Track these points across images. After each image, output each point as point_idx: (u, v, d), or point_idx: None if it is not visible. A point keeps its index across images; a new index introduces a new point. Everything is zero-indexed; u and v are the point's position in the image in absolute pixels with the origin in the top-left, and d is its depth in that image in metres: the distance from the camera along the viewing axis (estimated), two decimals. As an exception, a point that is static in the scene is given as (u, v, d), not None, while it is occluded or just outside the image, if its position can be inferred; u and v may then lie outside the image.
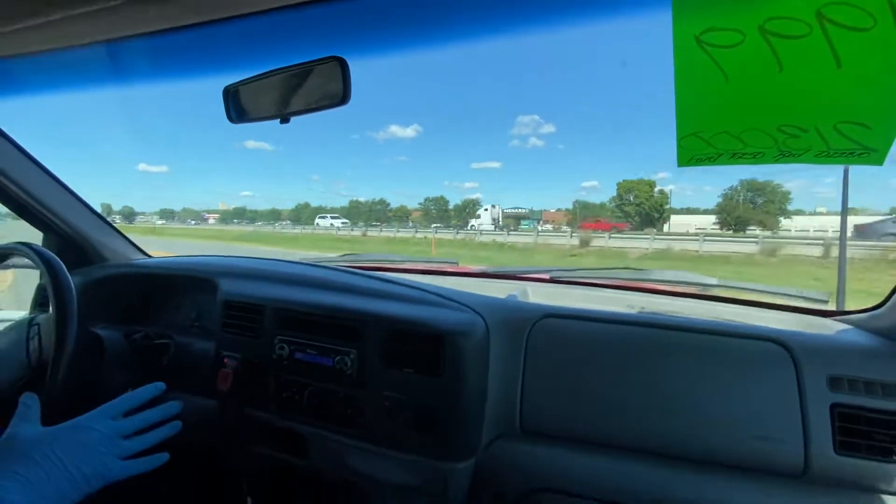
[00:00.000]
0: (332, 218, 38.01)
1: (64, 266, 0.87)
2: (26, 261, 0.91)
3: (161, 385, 0.79)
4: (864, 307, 0.96)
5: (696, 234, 20.24)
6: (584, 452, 0.83)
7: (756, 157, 0.76)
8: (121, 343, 1.03)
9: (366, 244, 23.58)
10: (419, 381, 0.86)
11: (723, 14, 0.61)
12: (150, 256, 1.52)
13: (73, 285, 0.85)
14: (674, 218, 35.60)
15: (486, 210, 37.94)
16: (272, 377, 0.99)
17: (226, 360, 1.00)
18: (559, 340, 0.90)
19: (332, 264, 1.30)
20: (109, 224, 1.44)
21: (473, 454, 0.86)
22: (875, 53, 0.58)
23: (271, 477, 1.11)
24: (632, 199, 35.89)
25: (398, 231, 27.56)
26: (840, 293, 1.08)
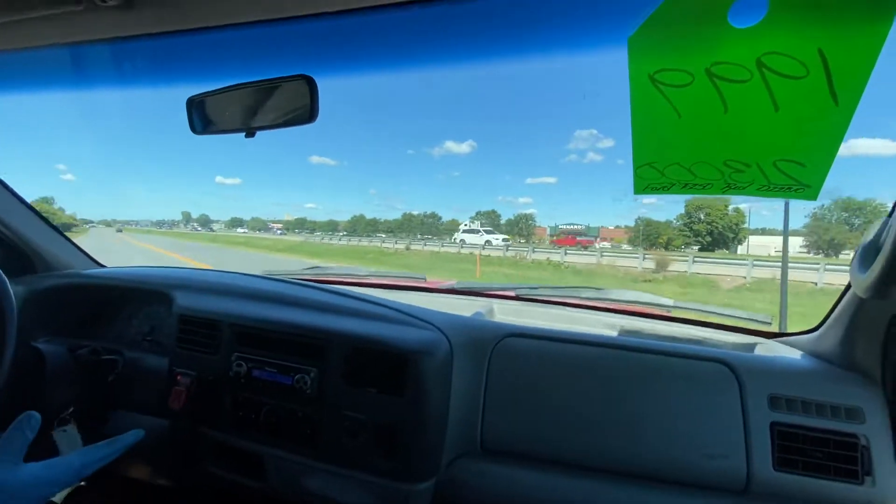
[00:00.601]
0: (485, 233, 30.33)
1: (3, 276, 0.82)
2: None
3: (140, 433, 0.77)
4: (803, 329, 1.03)
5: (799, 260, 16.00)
6: (543, 471, 0.84)
7: (705, 188, 0.81)
8: (64, 358, 0.98)
9: (409, 258, 21.13)
10: (380, 401, 0.85)
11: (674, 56, 0.65)
12: (103, 266, 1.44)
13: (13, 298, 0.80)
14: (752, 239, 31.47)
15: (465, 227, 35.72)
16: (228, 395, 0.96)
17: (179, 377, 0.96)
18: (520, 359, 0.91)
19: (295, 278, 1.28)
20: (57, 230, 1.37)
21: (434, 474, 0.86)
22: (808, 99, 0.63)
23: (226, 499, 1.06)
24: (702, 217, 31.67)
25: (442, 246, 24.89)
26: (783, 315, 1.15)
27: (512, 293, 1.38)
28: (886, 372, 0.78)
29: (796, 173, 0.72)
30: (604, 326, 1.20)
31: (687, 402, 0.82)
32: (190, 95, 0.86)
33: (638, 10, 0.64)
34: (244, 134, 0.82)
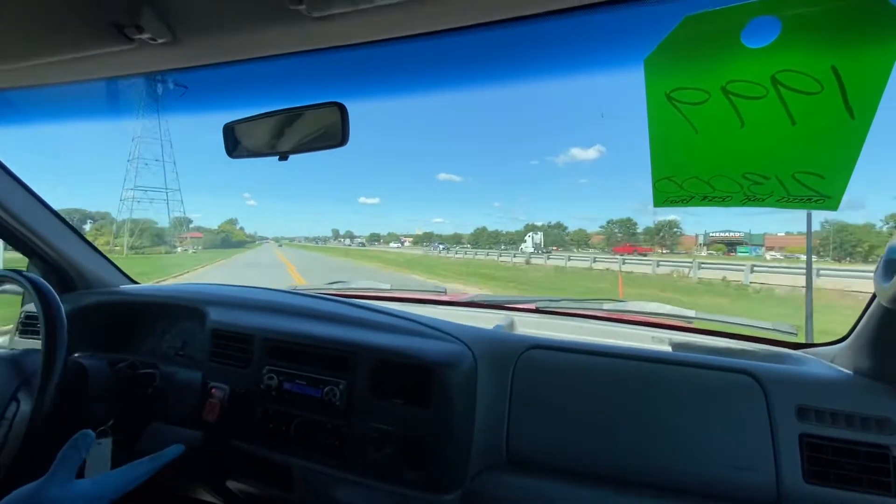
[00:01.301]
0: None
1: (57, 296, 0.87)
2: (15, 287, 0.91)
3: (180, 447, 0.83)
4: (829, 340, 1.02)
5: None
6: (569, 483, 0.85)
7: (725, 201, 0.83)
8: (105, 372, 1.02)
9: (527, 273, 17.72)
10: (407, 412, 0.87)
11: (689, 75, 0.68)
12: (136, 283, 1.51)
13: (64, 317, 0.85)
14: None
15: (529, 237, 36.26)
16: (259, 408, 0.99)
17: (213, 391, 1.00)
18: (544, 371, 0.92)
19: (320, 293, 1.32)
20: (96, 249, 1.44)
21: (460, 486, 0.87)
22: (823, 114, 0.65)
23: None
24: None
25: (569, 260, 20.99)
26: (808, 326, 1.14)
27: (532, 306, 1.40)
28: None
29: (816, 185, 0.73)
30: (626, 339, 1.21)
31: (713, 414, 0.82)
32: (226, 122, 0.92)
33: (654, 32, 0.67)
34: (277, 158, 0.87)
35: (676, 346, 1.11)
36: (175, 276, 13.92)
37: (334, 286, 1.60)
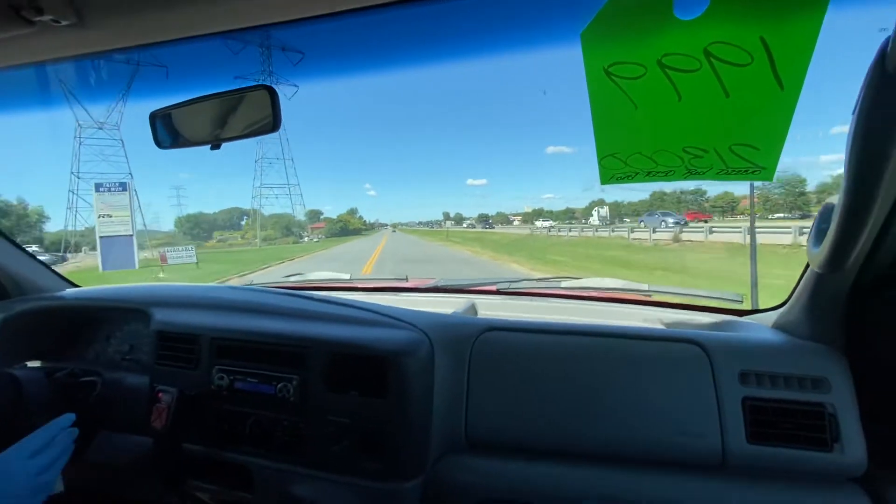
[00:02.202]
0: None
1: None
2: None
3: (71, 416, 0.81)
4: (772, 305, 1.06)
5: None
6: (529, 461, 0.86)
7: (668, 175, 0.84)
8: (42, 383, 0.96)
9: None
10: (364, 404, 0.86)
11: (625, 49, 0.67)
12: (77, 286, 1.42)
13: None
14: None
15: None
16: (211, 409, 0.95)
17: (159, 395, 0.95)
18: (500, 353, 0.93)
19: (274, 287, 1.28)
20: (27, 253, 1.34)
21: (421, 472, 0.87)
22: (754, 85, 0.66)
23: None
24: None
25: (709, 233, 14.01)
26: (753, 292, 1.19)
27: (493, 287, 1.40)
28: (849, 341, 0.81)
29: (751, 156, 0.75)
30: (585, 315, 1.23)
31: (662, 384, 0.84)
32: (152, 111, 0.86)
33: (590, 5, 0.65)
34: (209, 146, 0.82)
35: (630, 319, 1.14)
36: (262, 270, 12.90)
37: (291, 279, 1.55)
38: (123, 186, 15.28)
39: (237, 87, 0.73)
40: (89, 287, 1.38)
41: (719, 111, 0.70)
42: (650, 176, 0.85)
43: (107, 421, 1.06)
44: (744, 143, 0.74)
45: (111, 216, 14.70)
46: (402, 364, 0.85)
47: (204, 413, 0.95)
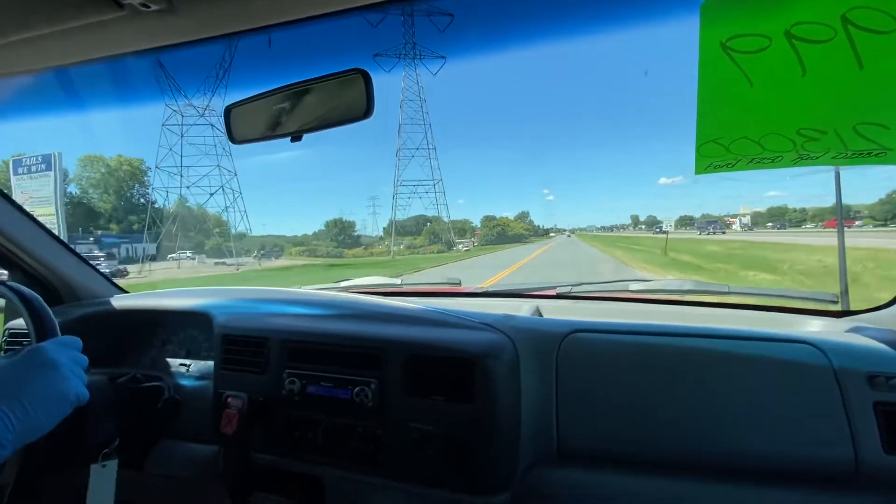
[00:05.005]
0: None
1: (47, 306, 0.78)
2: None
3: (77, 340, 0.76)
4: (869, 307, 0.98)
5: None
6: (627, 474, 0.79)
7: (774, 162, 0.78)
8: (106, 388, 0.93)
9: None
10: (448, 410, 0.80)
11: (750, 20, 0.62)
12: (126, 292, 1.40)
13: (59, 329, 0.76)
14: None
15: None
16: (281, 416, 0.90)
17: (229, 400, 0.91)
18: (590, 356, 0.86)
19: (331, 292, 1.24)
20: (83, 260, 1.33)
21: (510, 485, 0.80)
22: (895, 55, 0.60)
23: None
24: None
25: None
26: (844, 294, 1.11)
27: (552, 291, 1.34)
28: None
29: (879, 136, 0.69)
30: (658, 318, 1.15)
31: (778, 388, 0.77)
32: (228, 104, 0.84)
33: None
34: (290, 138, 0.79)
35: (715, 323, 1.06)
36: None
37: (341, 284, 1.51)
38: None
39: (326, 73, 0.70)
40: (142, 292, 1.36)
41: (849, 85, 0.64)
42: (753, 163, 0.80)
43: (170, 428, 1.02)
44: (872, 122, 0.68)
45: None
46: (489, 367, 0.79)
47: (273, 420, 0.91)
